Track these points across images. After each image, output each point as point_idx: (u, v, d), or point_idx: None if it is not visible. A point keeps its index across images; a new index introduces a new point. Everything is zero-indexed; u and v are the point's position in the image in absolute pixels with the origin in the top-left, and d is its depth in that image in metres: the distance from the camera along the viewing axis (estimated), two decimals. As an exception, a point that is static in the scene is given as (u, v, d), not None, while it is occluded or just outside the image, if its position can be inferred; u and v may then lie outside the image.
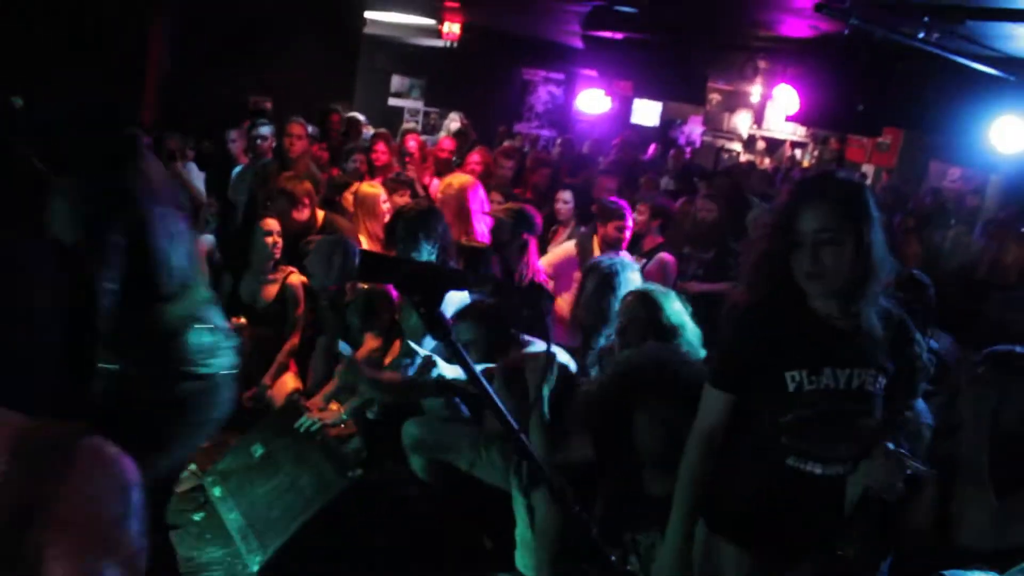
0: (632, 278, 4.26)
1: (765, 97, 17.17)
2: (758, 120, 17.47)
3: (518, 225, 5.07)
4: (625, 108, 16.44)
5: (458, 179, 5.60)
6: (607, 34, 9.87)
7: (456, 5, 9.28)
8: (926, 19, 5.38)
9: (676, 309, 3.68)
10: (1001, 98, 6.78)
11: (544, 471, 1.80)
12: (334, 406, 4.53)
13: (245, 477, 4.16)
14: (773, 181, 12.11)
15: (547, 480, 1.82)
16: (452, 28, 11.24)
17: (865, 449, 2.48)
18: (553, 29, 10.81)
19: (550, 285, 5.33)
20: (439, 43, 12.53)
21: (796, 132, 17.38)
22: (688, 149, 15.80)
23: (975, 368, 2.92)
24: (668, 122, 16.44)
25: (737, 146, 16.89)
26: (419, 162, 8.02)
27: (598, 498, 3.11)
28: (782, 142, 17.02)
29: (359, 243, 5.29)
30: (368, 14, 11.43)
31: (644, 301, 3.71)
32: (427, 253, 4.34)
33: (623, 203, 5.61)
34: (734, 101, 17.26)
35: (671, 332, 3.58)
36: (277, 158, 6.59)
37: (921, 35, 5.84)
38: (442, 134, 10.67)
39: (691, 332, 3.65)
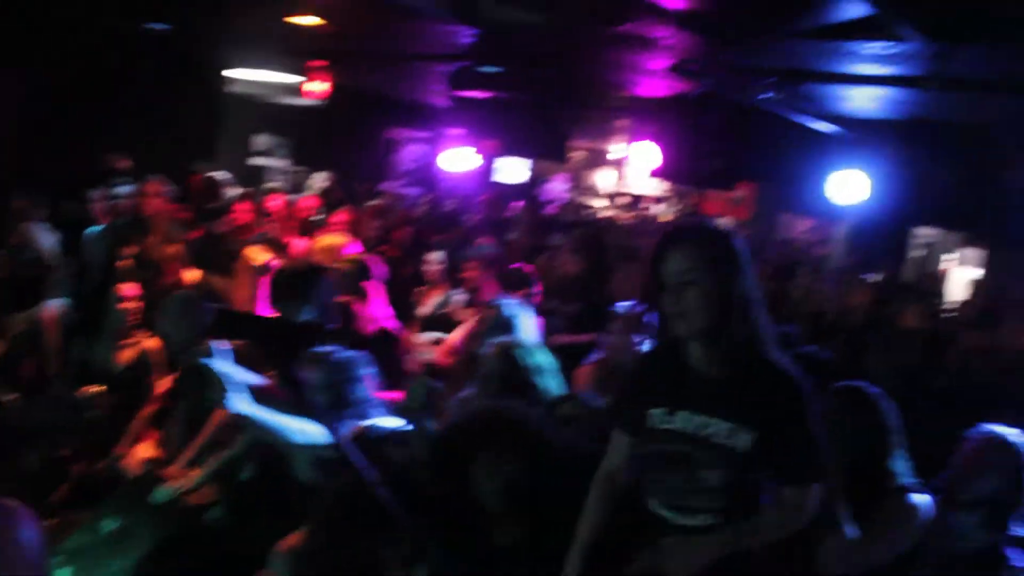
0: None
1: (626, 154, 17.82)
2: (620, 177, 18.06)
3: (360, 276, 5.14)
4: (490, 167, 16.72)
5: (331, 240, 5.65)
6: (473, 94, 10.06)
7: (322, 64, 9.32)
8: (773, 80, 5.74)
9: (535, 364, 3.71)
10: (838, 154, 7.26)
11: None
12: (195, 472, 4.34)
13: (97, 555, 3.93)
14: (634, 234, 12.51)
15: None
16: (318, 87, 11.26)
17: (724, 507, 2.43)
18: (420, 89, 10.97)
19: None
20: (304, 102, 12.49)
21: (657, 188, 18.04)
22: (554, 205, 16.15)
23: (827, 403, 3.07)
24: (533, 180, 16.77)
25: (601, 202, 17.36)
26: (283, 221, 7.95)
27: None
28: (643, 198, 17.62)
29: (238, 303, 5.23)
30: (232, 72, 11.32)
31: (503, 356, 3.72)
32: (307, 312, 4.31)
33: (529, 268, 5.70)
34: (597, 159, 17.80)
35: (527, 387, 3.60)
36: (134, 218, 6.43)
37: (769, 95, 6.24)
38: (307, 193, 10.60)
39: (551, 386, 3.70)
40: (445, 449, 3.03)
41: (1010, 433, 3.13)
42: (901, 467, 3.05)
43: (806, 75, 5.21)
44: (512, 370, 3.65)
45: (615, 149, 17.07)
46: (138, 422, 4.91)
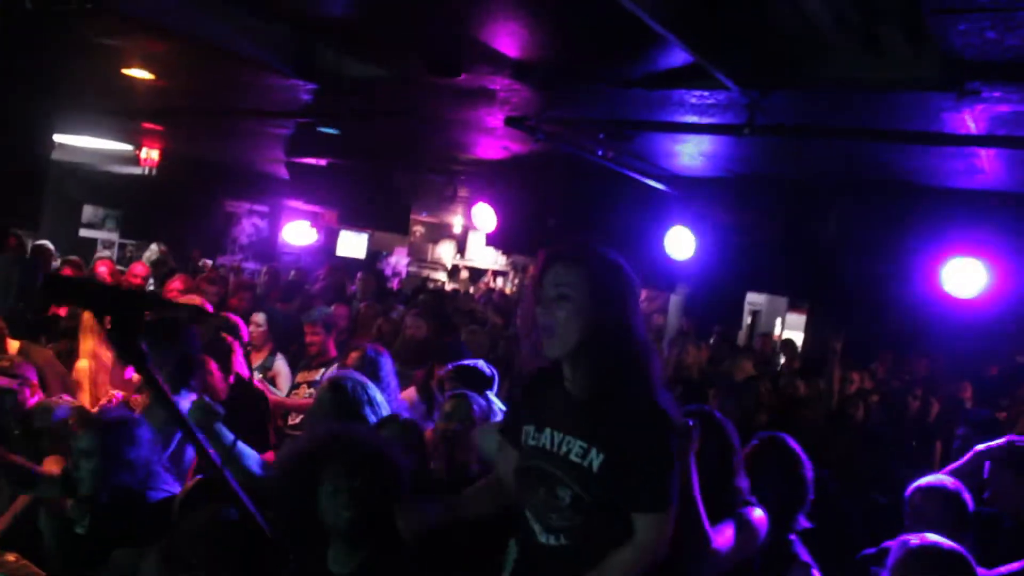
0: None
1: (467, 228, 18.06)
2: (461, 250, 18.24)
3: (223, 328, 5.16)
4: (331, 240, 16.59)
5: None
6: (311, 160, 10.01)
7: (155, 128, 9.06)
8: (601, 136, 5.96)
9: (369, 396, 3.84)
10: (670, 211, 7.58)
11: None
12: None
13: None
14: (475, 300, 12.66)
15: None
16: (150, 154, 10.95)
17: (579, 528, 2.46)
18: (256, 157, 10.80)
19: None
20: (136, 170, 12.09)
21: (497, 261, 18.30)
22: (396, 280, 16.14)
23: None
24: (375, 253, 16.75)
25: (442, 275, 17.48)
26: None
27: None
28: (484, 271, 17.83)
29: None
30: (58, 138, 10.84)
31: (335, 388, 3.83)
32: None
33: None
34: (438, 232, 17.95)
35: (356, 417, 3.71)
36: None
37: (600, 152, 6.47)
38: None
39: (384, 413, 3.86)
40: (292, 473, 3.03)
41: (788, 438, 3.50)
42: (744, 485, 3.17)
43: (633, 125, 5.41)
44: (344, 401, 3.75)
45: (455, 223, 17.31)
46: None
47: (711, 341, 11.57)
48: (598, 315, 2.44)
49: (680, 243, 7.60)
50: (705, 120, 5.08)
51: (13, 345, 5.38)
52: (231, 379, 4.83)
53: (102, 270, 8.29)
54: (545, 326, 2.47)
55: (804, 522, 3.38)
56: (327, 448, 2.94)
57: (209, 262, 11.76)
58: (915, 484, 3.84)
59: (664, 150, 6.42)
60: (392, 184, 10.59)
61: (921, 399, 8.36)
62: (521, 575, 2.63)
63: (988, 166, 5.46)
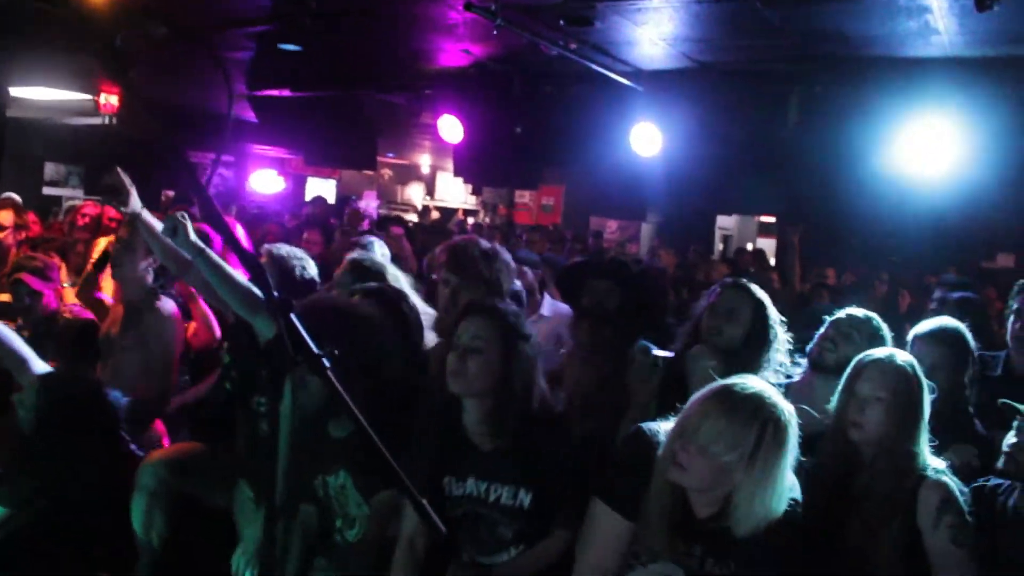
0: None
1: (435, 168, 18.05)
2: (430, 191, 18.26)
3: None
4: (299, 188, 16.52)
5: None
6: (274, 92, 9.94)
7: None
8: (561, 22, 5.99)
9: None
10: (635, 108, 7.63)
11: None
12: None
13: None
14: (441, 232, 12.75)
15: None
16: (109, 99, 10.79)
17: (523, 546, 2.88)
18: (219, 94, 10.69)
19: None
20: (96, 120, 11.92)
21: (467, 201, 18.34)
22: (366, 222, 16.10)
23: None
24: (344, 198, 16.72)
25: (412, 217, 17.49)
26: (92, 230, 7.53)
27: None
28: (454, 211, 17.86)
29: None
30: (15, 91, 10.67)
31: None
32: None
33: None
34: (406, 174, 17.94)
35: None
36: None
37: (560, 43, 6.50)
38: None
39: None
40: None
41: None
42: None
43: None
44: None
45: (423, 162, 17.29)
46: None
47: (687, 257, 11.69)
48: (506, 366, 2.77)
49: (646, 139, 7.67)
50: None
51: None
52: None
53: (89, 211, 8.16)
54: (452, 371, 2.79)
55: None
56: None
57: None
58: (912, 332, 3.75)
59: (624, 37, 6.45)
60: (358, 117, 10.52)
61: (888, 284, 8.49)
62: None
63: (942, 25, 5.54)
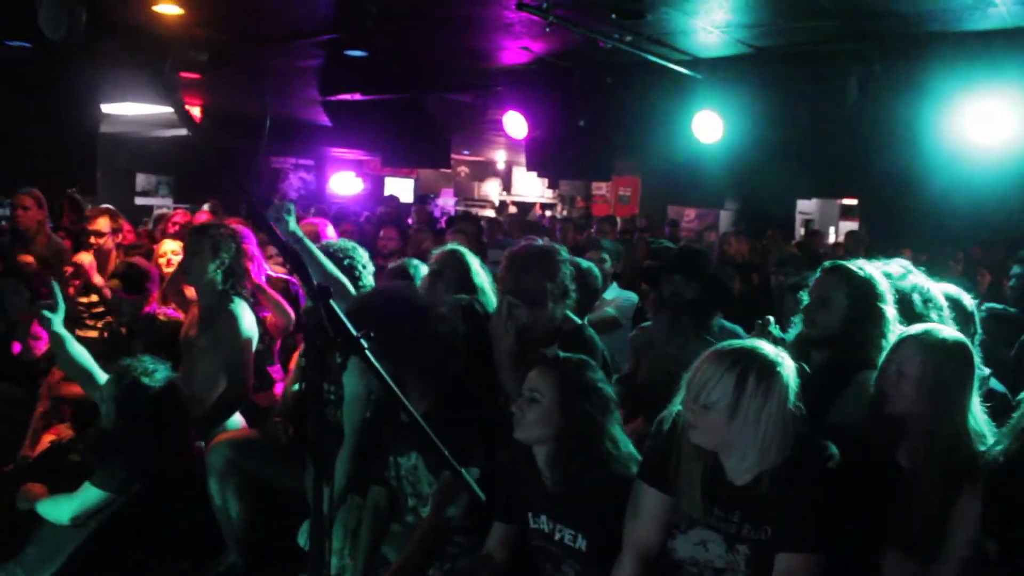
0: None
1: (510, 163, 18.27)
2: (507, 187, 18.47)
3: None
4: (377, 188, 16.91)
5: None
6: (346, 96, 10.29)
7: (192, 77, 9.41)
8: (612, 16, 6.12)
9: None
10: (695, 96, 7.71)
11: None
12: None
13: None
14: (527, 227, 12.90)
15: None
16: (192, 111, 11.32)
17: None
18: (294, 101, 11.11)
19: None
20: (181, 132, 12.50)
21: (544, 195, 18.49)
22: (444, 219, 16.43)
23: None
24: (422, 197, 17.07)
25: (490, 212, 17.73)
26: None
27: None
28: (532, 205, 18.04)
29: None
30: (106, 107, 11.25)
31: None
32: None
33: None
34: (482, 171, 18.19)
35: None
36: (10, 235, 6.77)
37: (615, 36, 6.63)
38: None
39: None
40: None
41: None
42: None
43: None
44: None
45: (498, 158, 17.52)
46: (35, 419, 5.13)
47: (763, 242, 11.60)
48: (566, 416, 2.91)
49: (707, 127, 7.75)
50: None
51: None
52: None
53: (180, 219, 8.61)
54: (518, 419, 2.96)
55: None
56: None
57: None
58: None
59: (678, 27, 6.54)
60: (429, 117, 10.81)
61: (963, 263, 8.37)
62: None
63: (999, -3, 5.50)
